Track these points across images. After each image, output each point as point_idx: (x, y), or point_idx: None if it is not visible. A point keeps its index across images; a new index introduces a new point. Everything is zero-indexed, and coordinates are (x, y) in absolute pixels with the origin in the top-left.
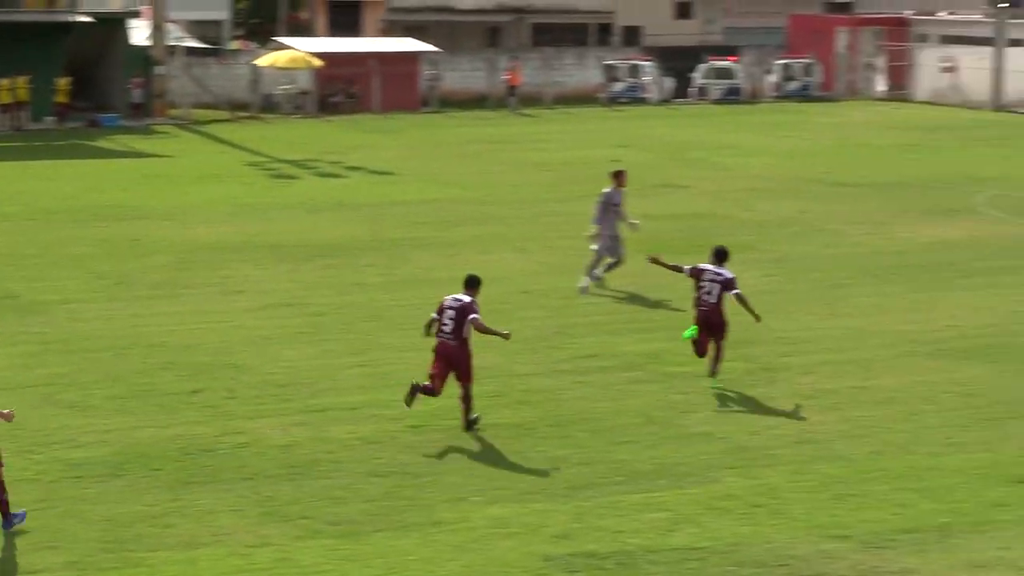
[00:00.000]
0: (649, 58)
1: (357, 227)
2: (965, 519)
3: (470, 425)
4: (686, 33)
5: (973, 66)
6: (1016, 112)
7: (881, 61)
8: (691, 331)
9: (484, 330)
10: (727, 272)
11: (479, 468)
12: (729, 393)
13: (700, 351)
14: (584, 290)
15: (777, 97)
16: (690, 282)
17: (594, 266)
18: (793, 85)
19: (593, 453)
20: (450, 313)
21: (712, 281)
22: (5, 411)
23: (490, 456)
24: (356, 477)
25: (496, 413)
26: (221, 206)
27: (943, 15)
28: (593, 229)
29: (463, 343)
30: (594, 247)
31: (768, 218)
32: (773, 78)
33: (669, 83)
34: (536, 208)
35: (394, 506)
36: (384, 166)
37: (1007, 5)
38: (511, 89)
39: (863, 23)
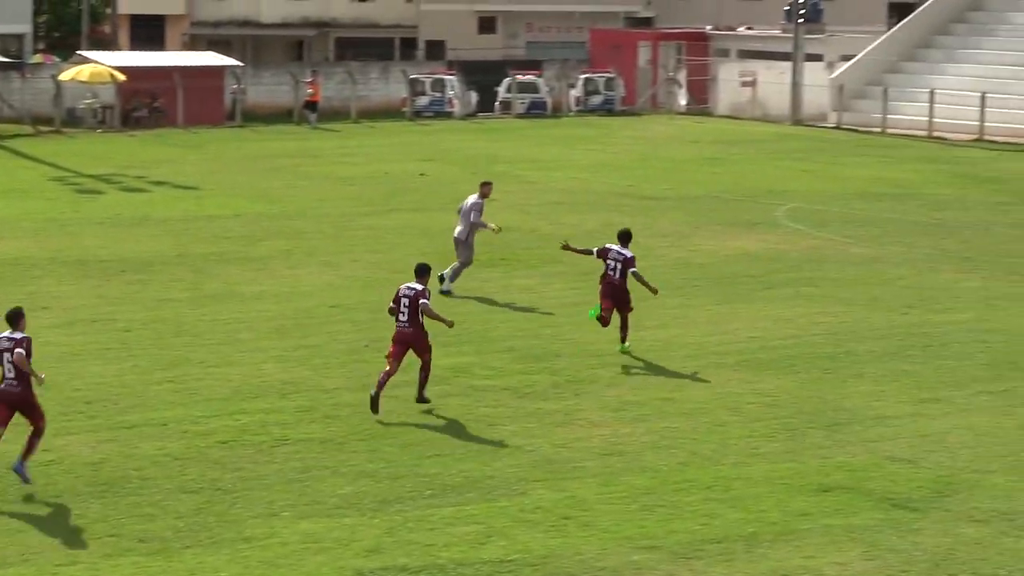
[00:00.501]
0: (453, 72)
1: (163, 242)
2: (771, 528)
3: (422, 399)
4: (490, 47)
5: (772, 81)
6: (814, 126)
7: (682, 76)
8: (595, 310)
9: (432, 316)
10: (628, 252)
11: (289, 483)
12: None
13: (605, 322)
14: (448, 291)
15: (580, 111)
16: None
17: (459, 271)
18: (596, 99)
19: (402, 467)
20: (404, 301)
21: (616, 260)
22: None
23: (300, 471)
24: (166, 493)
25: (305, 428)
26: (25, 221)
27: (742, 30)
28: (463, 235)
29: (419, 327)
30: (461, 255)
31: (574, 231)
32: (576, 92)
33: (473, 97)
34: (342, 222)
35: (204, 522)
36: (189, 181)
37: (803, 21)
38: (311, 104)
39: (664, 38)
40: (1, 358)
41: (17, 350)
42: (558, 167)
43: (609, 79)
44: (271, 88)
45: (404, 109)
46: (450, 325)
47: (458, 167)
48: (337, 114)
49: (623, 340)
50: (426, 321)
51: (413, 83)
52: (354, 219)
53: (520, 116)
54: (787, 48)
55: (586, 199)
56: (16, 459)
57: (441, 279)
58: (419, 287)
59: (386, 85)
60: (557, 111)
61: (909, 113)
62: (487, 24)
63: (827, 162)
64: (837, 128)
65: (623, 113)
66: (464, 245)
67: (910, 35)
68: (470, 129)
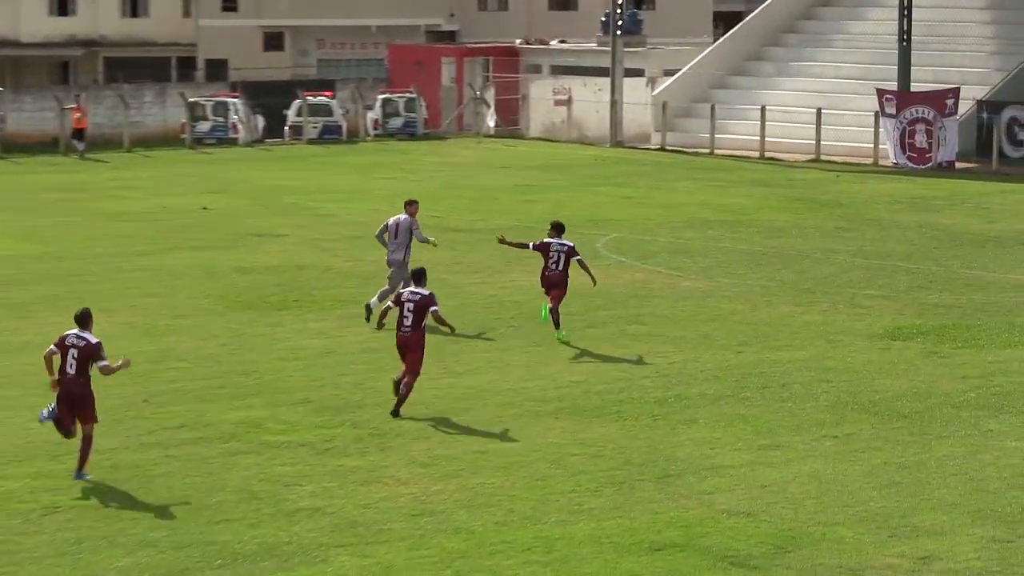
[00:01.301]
0: (237, 95)
1: None
2: None
3: (397, 413)
4: (277, 66)
5: (588, 99)
6: (636, 148)
7: (490, 95)
8: (544, 311)
9: (441, 321)
10: (568, 242)
11: (61, 556)
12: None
13: (555, 314)
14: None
15: (379, 135)
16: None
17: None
18: (396, 122)
19: (188, 535)
20: (409, 307)
21: (558, 251)
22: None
23: (73, 542)
24: None
25: (78, 493)
26: None
27: (555, 44)
28: (403, 256)
29: (421, 335)
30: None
31: (374, 269)
32: (374, 115)
33: (260, 122)
34: (116, 263)
35: None
36: None
37: (621, 33)
38: (78, 132)
39: (469, 53)
40: (68, 353)
41: (103, 363)
42: (355, 197)
43: (410, 100)
44: (33, 114)
45: (183, 136)
46: (452, 331)
47: (245, 199)
48: (108, 143)
49: (558, 326)
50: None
51: (192, 107)
52: (129, 259)
53: (312, 142)
54: (604, 63)
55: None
56: (74, 471)
57: (368, 308)
58: (424, 292)
59: (162, 110)
60: (353, 136)
61: (739, 132)
62: (274, 41)
63: (651, 187)
64: (661, 150)
65: (426, 137)
66: (402, 267)
67: (738, 47)
68: (257, 157)
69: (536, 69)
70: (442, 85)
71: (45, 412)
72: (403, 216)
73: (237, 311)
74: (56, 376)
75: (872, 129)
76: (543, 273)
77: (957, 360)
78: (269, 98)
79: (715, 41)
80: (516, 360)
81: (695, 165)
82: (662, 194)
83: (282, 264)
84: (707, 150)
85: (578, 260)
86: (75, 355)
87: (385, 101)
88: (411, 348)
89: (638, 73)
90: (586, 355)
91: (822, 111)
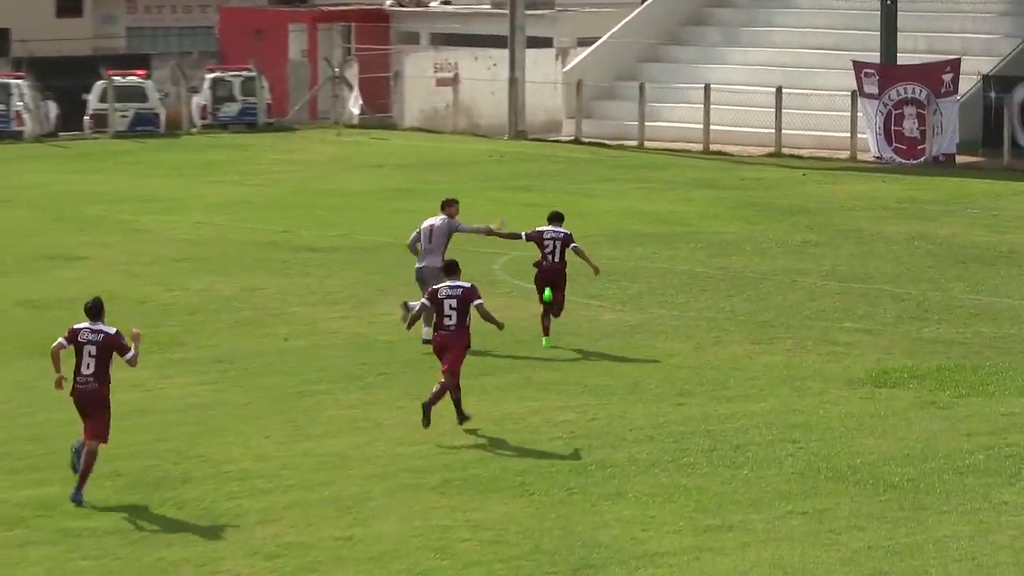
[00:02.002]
0: (22, 74)
1: None
2: None
3: (463, 416)
4: (75, 37)
5: (480, 77)
6: (543, 140)
7: (353, 72)
8: (548, 293)
9: (488, 317)
10: (564, 230)
11: None
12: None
13: (556, 309)
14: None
15: (208, 126)
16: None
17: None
18: (230, 109)
19: None
20: (451, 303)
21: (553, 239)
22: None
23: None
24: None
25: None
26: None
27: (436, 6)
28: (433, 262)
29: (465, 332)
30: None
31: (203, 300)
32: (201, 99)
33: (52, 109)
34: None
35: None
36: None
37: None
38: None
39: (325, 19)
40: (83, 351)
41: (130, 355)
42: (179, 208)
43: (248, 80)
44: None
45: None
46: (500, 327)
47: (34, 211)
48: None
49: (546, 333)
50: None
51: None
52: None
53: (121, 135)
54: (501, 30)
55: (220, 253)
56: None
57: (406, 307)
58: (465, 284)
59: None
60: (174, 127)
61: (676, 119)
62: (70, 6)
63: (563, 191)
64: (575, 142)
65: (270, 128)
66: (440, 275)
67: (674, 8)
68: (49, 155)
69: (412, 39)
70: (290, 60)
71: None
72: (440, 218)
73: (24, 358)
74: (62, 374)
75: (848, 114)
76: (539, 264)
77: (960, 412)
78: (64, 79)
79: (644, 1)
80: (389, 418)
81: (620, 162)
82: (577, 200)
83: (83, 295)
84: (635, 142)
85: (574, 248)
86: (92, 352)
87: (215, 82)
88: (452, 347)
89: (545, 43)
90: (480, 410)
91: (783, 91)
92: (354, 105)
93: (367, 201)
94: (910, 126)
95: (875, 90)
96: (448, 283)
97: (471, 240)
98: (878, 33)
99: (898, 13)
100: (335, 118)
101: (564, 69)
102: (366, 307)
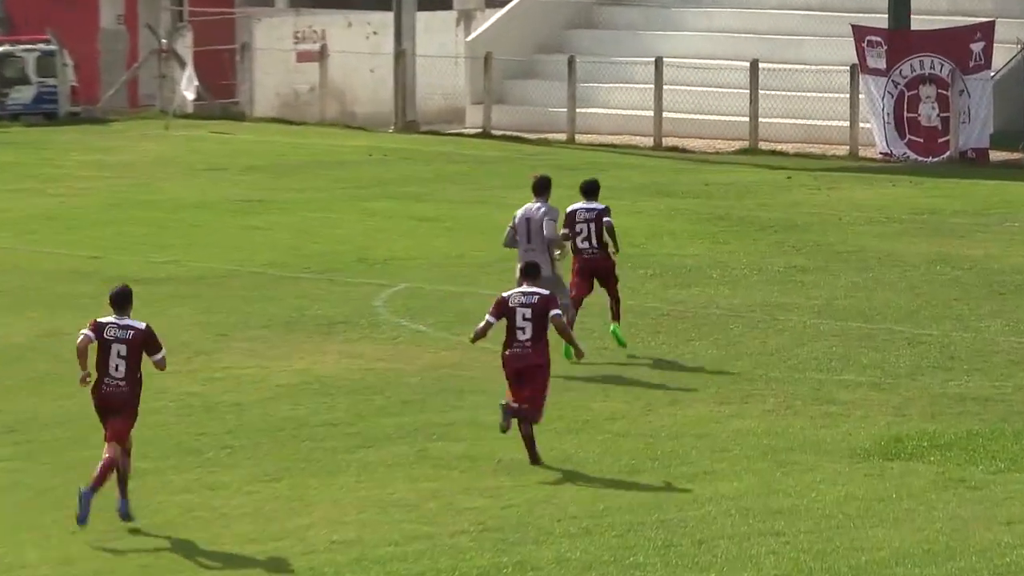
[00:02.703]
0: None
1: None
2: None
3: (536, 458)
4: None
5: (355, 49)
6: (440, 134)
7: (186, 44)
8: (617, 332)
9: (566, 333)
10: (598, 204)
11: None
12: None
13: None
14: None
15: None
16: None
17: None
18: (22, 95)
19: None
20: (525, 312)
21: (586, 221)
22: None
23: None
24: None
25: None
26: None
27: None
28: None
29: (545, 348)
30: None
31: None
32: None
33: None
34: None
35: None
36: None
37: None
38: None
39: None
40: (110, 350)
41: (159, 355)
42: None
43: (45, 56)
44: None
45: None
46: (581, 356)
47: None
48: None
49: (616, 317)
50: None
51: None
52: None
53: None
54: None
55: (10, 287)
56: (118, 502)
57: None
58: (544, 292)
59: None
60: None
61: (617, 104)
62: None
63: (466, 201)
64: (484, 136)
65: (76, 119)
66: (553, 283)
67: None
68: None
69: (264, 2)
70: (101, 29)
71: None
72: (537, 206)
73: None
74: (88, 371)
75: (846, 96)
76: (574, 265)
77: (997, 493)
78: None
79: None
80: (236, 507)
81: (543, 162)
82: (486, 212)
83: None
84: (563, 136)
85: (607, 223)
86: (122, 352)
87: (2, 59)
88: (532, 372)
89: (442, 4)
90: (363, 496)
91: (760, 65)
92: (187, 88)
93: (205, 216)
94: (928, 112)
95: (882, 64)
96: (522, 290)
97: (345, 264)
98: None
99: None
100: (162, 106)
101: (468, 39)
102: (206, 358)
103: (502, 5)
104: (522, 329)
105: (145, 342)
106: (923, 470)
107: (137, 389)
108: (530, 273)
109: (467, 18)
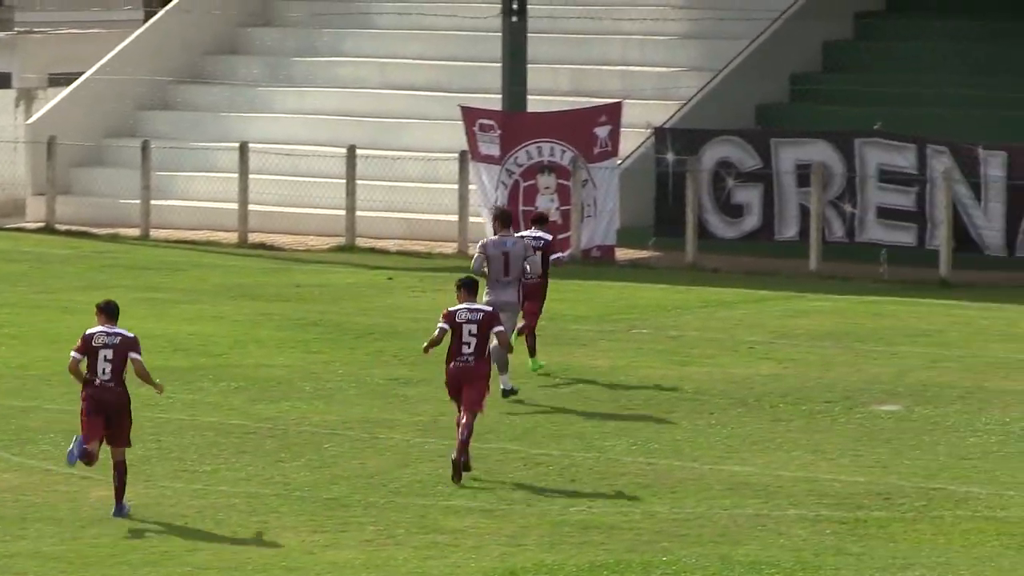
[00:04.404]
0: None
1: None
2: None
3: (465, 467)
4: None
5: None
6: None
7: None
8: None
9: (508, 347)
10: (544, 234)
11: None
12: None
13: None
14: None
15: None
16: None
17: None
18: None
19: None
20: (471, 328)
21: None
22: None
23: None
24: None
25: None
26: None
27: None
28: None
29: (486, 363)
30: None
31: None
32: None
33: None
34: None
35: None
36: None
37: None
38: None
39: None
40: (98, 356)
41: (133, 355)
42: None
43: None
44: None
45: None
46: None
47: None
48: None
49: (534, 353)
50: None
51: None
52: None
53: None
54: None
55: None
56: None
57: (506, 391)
58: (488, 308)
59: None
60: None
61: (198, 195)
62: None
63: (26, 304)
64: (47, 230)
65: None
66: (515, 310)
67: (192, 30)
68: None
69: None
70: None
71: (74, 449)
72: (511, 239)
73: None
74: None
75: (455, 186)
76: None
77: None
78: None
79: (146, 20)
80: None
81: (113, 260)
82: (49, 317)
83: None
84: (136, 230)
85: (555, 259)
86: (109, 356)
87: None
88: (473, 382)
89: (2, 82)
90: None
91: (358, 152)
92: None
93: None
94: (547, 205)
95: (495, 151)
96: (468, 306)
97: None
98: (499, 65)
99: (528, 34)
100: None
101: (28, 121)
102: None
103: (67, 83)
104: (467, 344)
105: (131, 348)
106: None
107: (127, 396)
108: (469, 286)
109: (28, 98)
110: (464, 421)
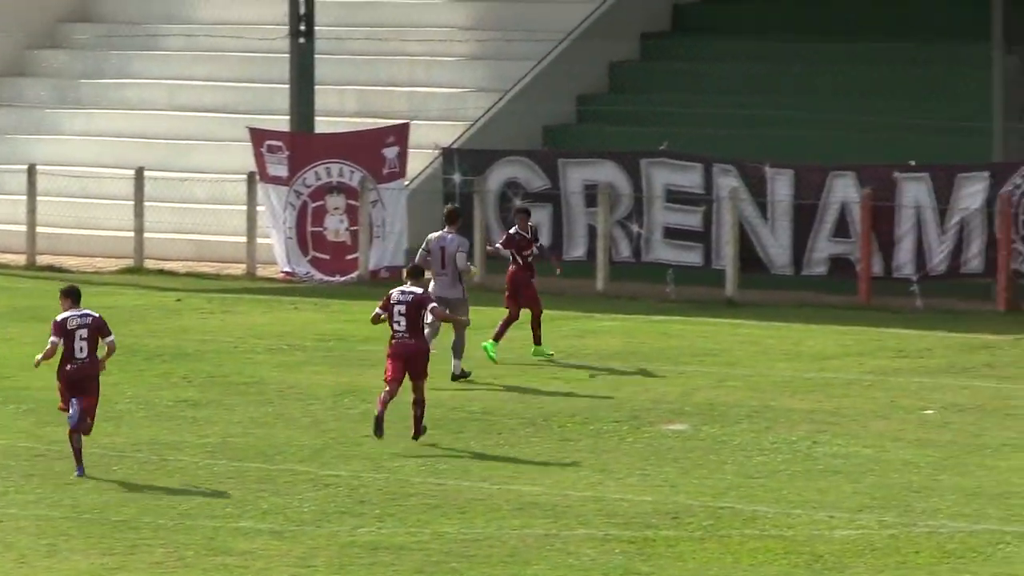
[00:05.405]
0: None
1: None
2: None
3: (422, 431)
4: None
5: None
6: None
7: None
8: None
9: (444, 318)
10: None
11: None
12: None
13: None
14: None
15: None
16: None
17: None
18: None
19: None
20: (400, 308)
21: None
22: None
23: None
24: None
25: None
26: None
27: None
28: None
29: (422, 338)
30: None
31: None
32: None
33: None
34: None
35: None
36: None
37: None
38: None
39: None
40: (74, 337)
41: (110, 338)
42: None
43: None
44: None
45: None
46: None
47: None
48: None
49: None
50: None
51: None
52: None
53: None
54: None
55: None
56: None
57: (456, 375)
58: (418, 290)
59: None
60: None
61: None
62: None
63: None
64: None
65: None
66: (463, 303)
67: None
68: None
69: None
70: None
71: (74, 414)
72: (450, 236)
73: None
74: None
75: (243, 208)
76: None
77: None
78: None
79: None
80: None
81: None
82: None
83: None
84: None
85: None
86: (84, 335)
87: None
88: (414, 358)
89: None
90: None
91: (146, 174)
92: None
93: None
94: (336, 226)
95: (283, 172)
96: (401, 288)
97: None
98: (287, 86)
99: (315, 56)
100: None
101: None
102: None
103: None
104: (398, 322)
105: (101, 327)
106: None
107: (97, 366)
108: (413, 274)
109: None
110: (414, 398)
